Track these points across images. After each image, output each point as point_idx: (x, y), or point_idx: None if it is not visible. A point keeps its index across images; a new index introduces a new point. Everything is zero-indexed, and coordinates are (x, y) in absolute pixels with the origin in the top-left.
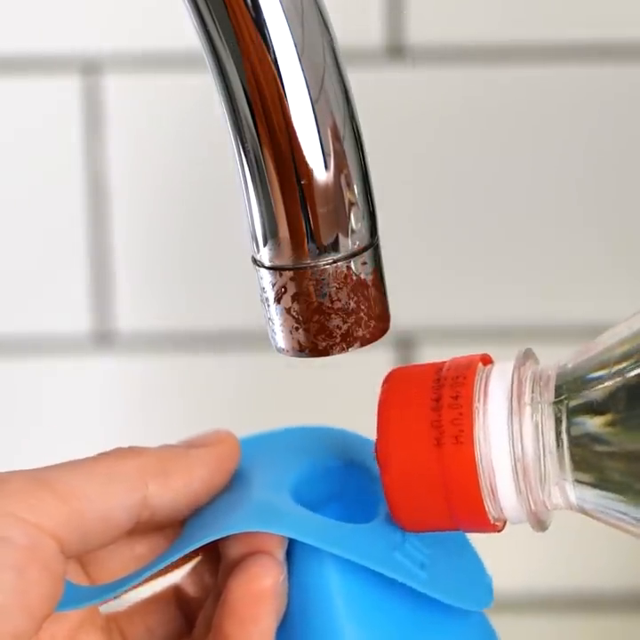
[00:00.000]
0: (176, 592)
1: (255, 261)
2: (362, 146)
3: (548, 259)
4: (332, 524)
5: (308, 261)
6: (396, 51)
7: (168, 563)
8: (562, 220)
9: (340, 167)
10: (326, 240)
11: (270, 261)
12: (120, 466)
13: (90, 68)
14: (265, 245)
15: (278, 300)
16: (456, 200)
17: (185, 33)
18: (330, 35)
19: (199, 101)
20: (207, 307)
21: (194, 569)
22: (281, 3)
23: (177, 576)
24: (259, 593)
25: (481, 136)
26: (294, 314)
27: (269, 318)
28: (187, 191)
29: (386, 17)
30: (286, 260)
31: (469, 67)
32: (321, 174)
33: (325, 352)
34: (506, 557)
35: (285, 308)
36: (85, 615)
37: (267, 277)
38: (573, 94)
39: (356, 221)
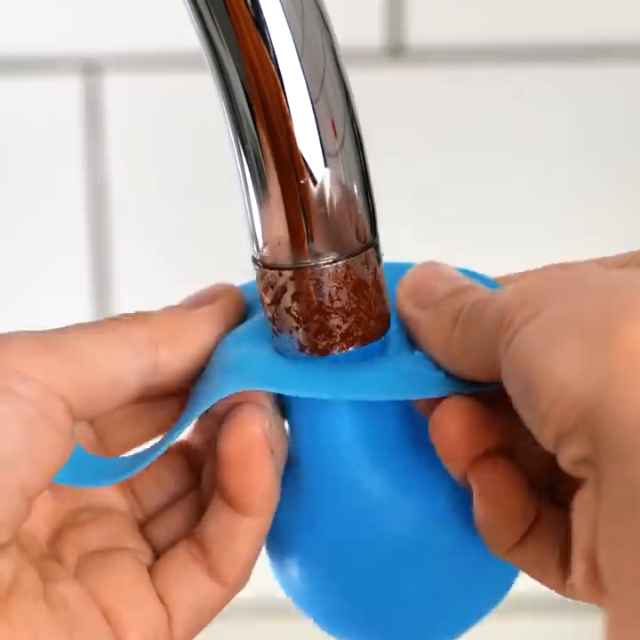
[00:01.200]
0: (185, 447)
1: (255, 261)
2: (361, 145)
3: (546, 260)
4: (331, 369)
5: (308, 261)
6: (395, 51)
7: (180, 431)
8: (562, 219)
9: (340, 167)
10: (326, 240)
11: (270, 261)
12: (129, 331)
13: (90, 68)
14: (264, 245)
15: (278, 299)
16: (456, 200)
17: (185, 33)
18: (330, 35)
19: (199, 101)
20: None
21: (199, 423)
22: (281, 2)
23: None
24: (247, 440)
25: (481, 136)
26: (294, 313)
27: (269, 318)
28: (186, 191)
29: (386, 17)
30: (286, 259)
31: (469, 67)
32: (320, 174)
33: (325, 351)
34: None
35: (285, 308)
36: None
37: (266, 277)
38: (573, 94)
39: (355, 221)
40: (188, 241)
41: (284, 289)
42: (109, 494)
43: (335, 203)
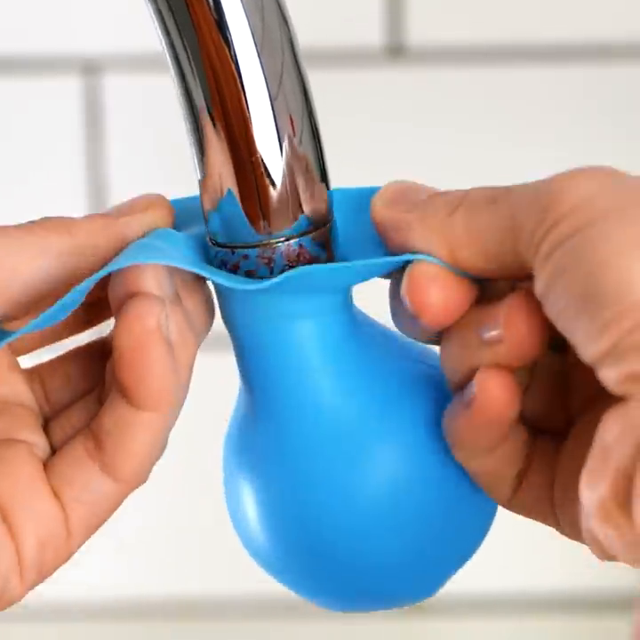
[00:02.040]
0: (99, 343)
1: (210, 239)
2: (316, 127)
3: None
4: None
5: (261, 239)
6: (395, 51)
7: (65, 303)
8: None
9: (295, 147)
10: (279, 218)
11: (223, 239)
12: (50, 238)
13: (90, 69)
14: (218, 223)
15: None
16: None
17: None
18: (288, 29)
19: None
20: None
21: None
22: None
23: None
24: (139, 334)
25: (480, 135)
26: None
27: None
28: (186, 190)
29: (386, 17)
30: (239, 237)
31: (469, 67)
32: (274, 152)
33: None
34: (504, 558)
35: None
36: (5, 362)
37: (219, 255)
38: (573, 94)
39: (310, 201)
40: None
41: (236, 266)
42: (18, 387)
43: (288, 181)
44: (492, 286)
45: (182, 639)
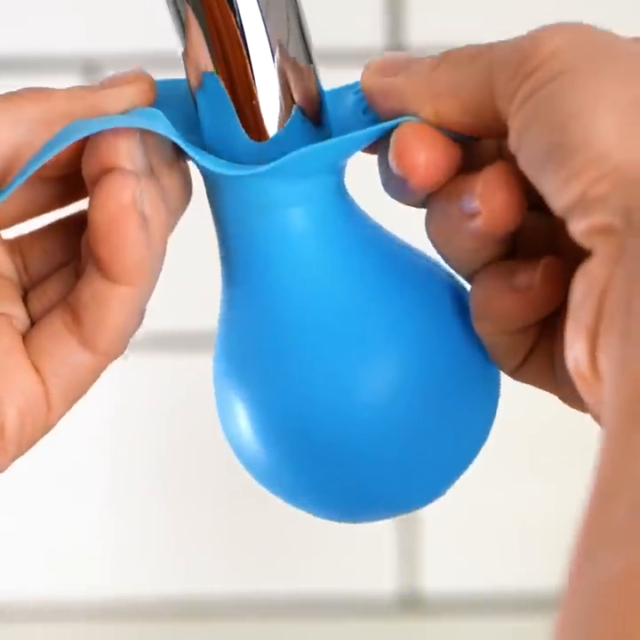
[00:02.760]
0: (76, 220)
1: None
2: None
3: None
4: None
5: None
6: (396, 51)
7: (35, 163)
8: None
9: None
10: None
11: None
12: (24, 107)
13: (90, 68)
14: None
15: None
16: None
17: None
18: None
19: None
20: (209, 307)
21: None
22: None
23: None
24: (113, 209)
25: None
26: None
27: None
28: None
29: (386, 17)
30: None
31: None
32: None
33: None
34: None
35: None
36: None
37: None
38: None
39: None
40: (189, 240)
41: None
42: None
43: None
44: (478, 157)
45: (182, 639)
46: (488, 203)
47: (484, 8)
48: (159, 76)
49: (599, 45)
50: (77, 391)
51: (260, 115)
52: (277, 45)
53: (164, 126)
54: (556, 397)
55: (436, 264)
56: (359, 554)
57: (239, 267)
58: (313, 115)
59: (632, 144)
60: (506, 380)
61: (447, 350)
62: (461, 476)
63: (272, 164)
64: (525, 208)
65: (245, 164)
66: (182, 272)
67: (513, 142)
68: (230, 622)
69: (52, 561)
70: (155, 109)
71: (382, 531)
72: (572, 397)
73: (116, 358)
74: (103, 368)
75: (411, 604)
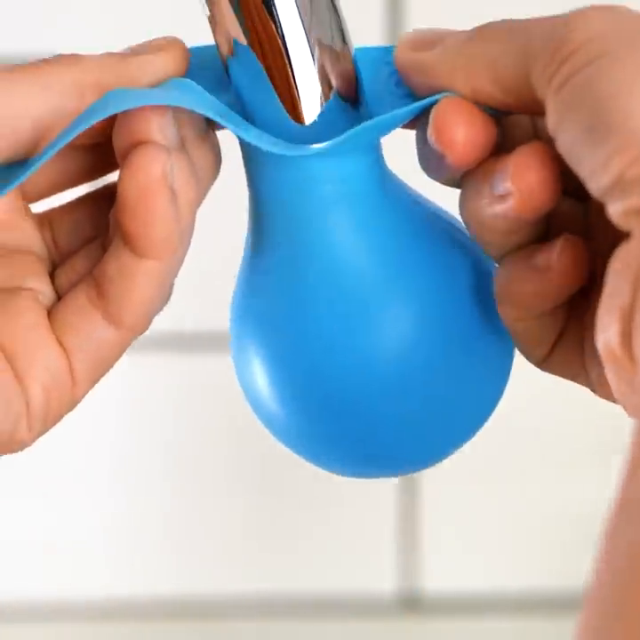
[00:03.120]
0: (106, 193)
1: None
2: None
3: None
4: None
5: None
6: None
7: (70, 134)
8: None
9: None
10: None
11: None
12: (53, 73)
13: None
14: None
15: None
16: (455, 199)
17: (186, 34)
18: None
19: None
20: (210, 308)
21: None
22: None
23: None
24: (144, 183)
25: None
26: None
27: None
28: None
29: (386, 17)
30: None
31: None
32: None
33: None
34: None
35: None
36: (16, 206)
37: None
38: None
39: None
40: (193, 243)
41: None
42: (28, 233)
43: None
44: (513, 138)
45: (182, 639)
46: (520, 183)
47: (484, 8)
48: None
49: (634, 30)
50: (102, 367)
51: (298, 99)
52: (316, 42)
53: (202, 103)
54: (557, 398)
55: (473, 243)
56: (359, 553)
57: (271, 234)
58: (350, 95)
59: None
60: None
61: (465, 319)
62: (466, 443)
63: (320, 146)
64: (560, 191)
65: (284, 138)
66: (190, 272)
67: (551, 125)
68: (230, 622)
69: (52, 561)
70: (190, 82)
71: (382, 531)
72: (600, 386)
73: (140, 334)
74: (127, 344)
75: (411, 604)
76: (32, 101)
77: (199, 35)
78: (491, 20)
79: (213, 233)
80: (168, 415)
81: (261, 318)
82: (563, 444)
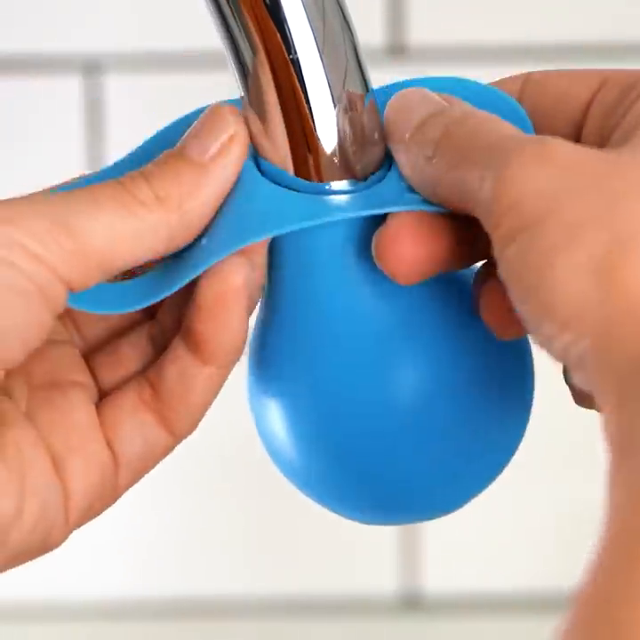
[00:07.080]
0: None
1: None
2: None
3: None
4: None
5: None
6: (396, 50)
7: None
8: None
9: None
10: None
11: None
12: (146, 215)
13: (90, 68)
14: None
15: None
16: None
17: (186, 33)
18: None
19: (199, 101)
20: None
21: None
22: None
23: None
24: (228, 287)
25: None
26: None
27: None
28: None
29: (387, 16)
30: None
31: (469, 66)
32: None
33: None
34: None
35: None
36: None
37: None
38: None
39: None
40: None
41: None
42: (56, 322)
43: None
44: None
45: (182, 639)
46: (386, 264)
47: (484, 8)
48: (160, 75)
49: (558, 187)
50: (145, 469)
51: (320, 167)
52: (339, 103)
53: (276, 217)
54: (557, 399)
55: None
56: (360, 554)
57: (283, 281)
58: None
59: (599, 301)
60: None
61: (482, 365)
62: (482, 492)
63: (336, 218)
64: (439, 262)
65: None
66: None
67: (498, 267)
68: (230, 622)
69: (52, 561)
70: (251, 169)
71: (383, 531)
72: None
73: (186, 438)
74: (174, 448)
75: (411, 604)
76: (127, 249)
77: (202, 34)
78: (491, 19)
79: None
80: None
81: (272, 368)
82: (563, 445)
